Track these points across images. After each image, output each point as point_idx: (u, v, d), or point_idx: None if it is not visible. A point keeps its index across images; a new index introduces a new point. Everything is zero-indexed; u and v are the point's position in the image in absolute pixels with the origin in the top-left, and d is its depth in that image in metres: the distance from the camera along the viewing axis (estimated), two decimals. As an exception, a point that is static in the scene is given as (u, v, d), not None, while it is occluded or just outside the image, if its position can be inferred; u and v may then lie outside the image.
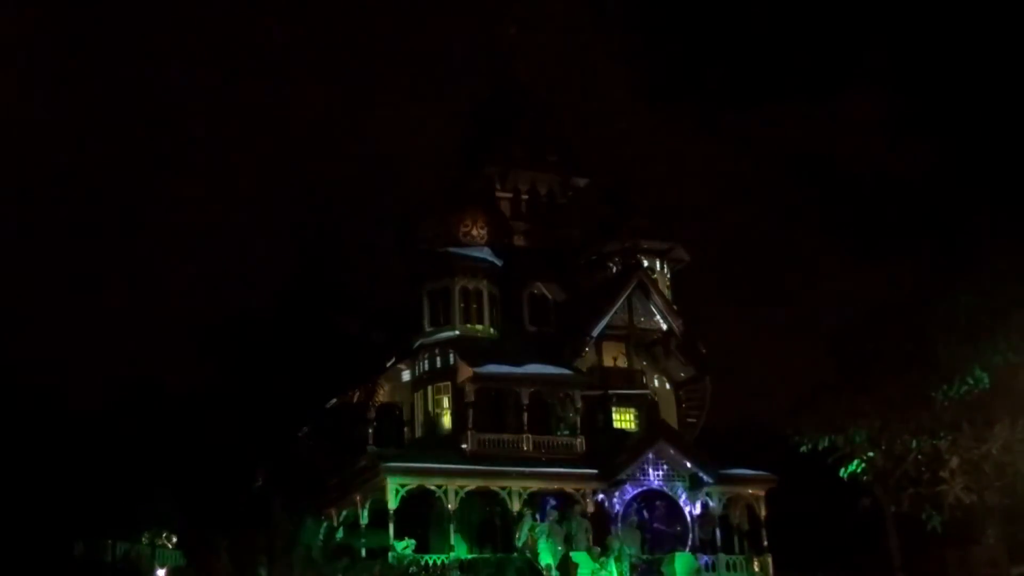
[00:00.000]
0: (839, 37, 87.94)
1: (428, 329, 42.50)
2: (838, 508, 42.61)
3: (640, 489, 39.81)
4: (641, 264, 44.93)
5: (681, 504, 40.18)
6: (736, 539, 41.70)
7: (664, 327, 44.33)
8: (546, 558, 37.14)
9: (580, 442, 40.59)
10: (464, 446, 39.32)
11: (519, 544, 37.59)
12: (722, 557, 39.90)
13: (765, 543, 40.83)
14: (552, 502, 39.48)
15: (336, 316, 36.89)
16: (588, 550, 37.73)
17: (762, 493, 41.24)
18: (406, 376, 43.33)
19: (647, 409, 43.59)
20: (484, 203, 45.65)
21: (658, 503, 40.65)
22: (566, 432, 41.03)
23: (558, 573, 37.09)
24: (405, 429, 42.89)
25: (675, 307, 45.08)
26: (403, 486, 37.27)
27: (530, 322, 44.54)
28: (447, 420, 41.72)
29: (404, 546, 36.54)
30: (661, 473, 40.05)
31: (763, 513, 41.04)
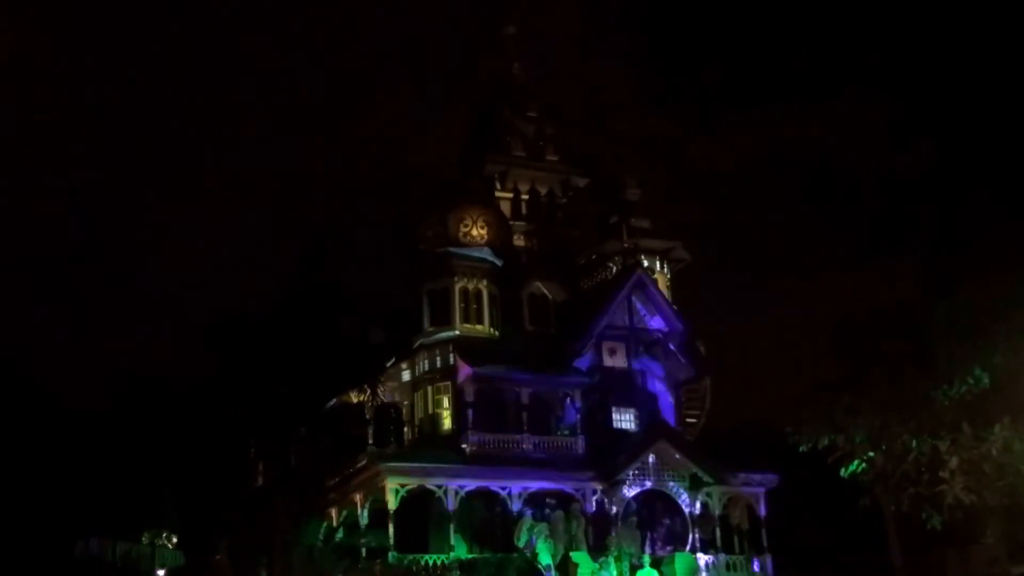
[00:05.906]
0: (839, 37, 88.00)
1: (428, 329, 42.52)
2: (838, 508, 42.62)
3: (640, 489, 39.84)
4: (641, 264, 44.97)
5: (681, 504, 40.21)
6: (736, 539, 41.72)
7: (664, 327, 44.34)
8: (546, 558, 37.14)
9: (580, 442, 40.62)
10: (464, 446, 39.35)
11: (519, 544, 37.59)
12: (722, 557, 39.92)
13: (765, 543, 40.87)
14: (552, 502, 39.49)
15: (336, 316, 36.81)
16: (588, 550, 37.75)
17: (762, 493, 41.29)
18: (406, 376, 43.38)
19: (647, 409, 43.62)
20: (484, 203, 45.64)
21: (658, 503, 40.66)
22: (566, 432, 41.04)
23: (558, 573, 37.10)
24: (405, 429, 42.90)
25: (675, 307, 45.10)
26: (403, 486, 37.29)
27: (530, 322, 44.54)
28: (447, 420, 41.74)
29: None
30: (661, 473, 40.08)
31: (763, 513, 41.08)
